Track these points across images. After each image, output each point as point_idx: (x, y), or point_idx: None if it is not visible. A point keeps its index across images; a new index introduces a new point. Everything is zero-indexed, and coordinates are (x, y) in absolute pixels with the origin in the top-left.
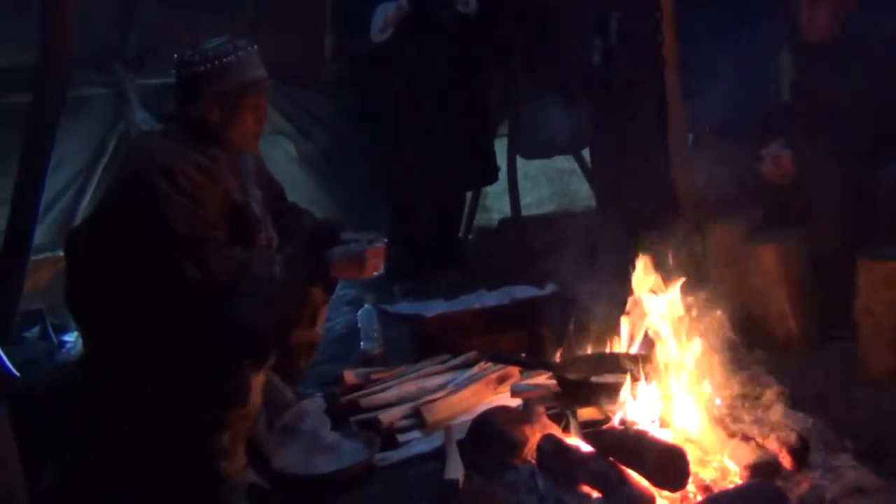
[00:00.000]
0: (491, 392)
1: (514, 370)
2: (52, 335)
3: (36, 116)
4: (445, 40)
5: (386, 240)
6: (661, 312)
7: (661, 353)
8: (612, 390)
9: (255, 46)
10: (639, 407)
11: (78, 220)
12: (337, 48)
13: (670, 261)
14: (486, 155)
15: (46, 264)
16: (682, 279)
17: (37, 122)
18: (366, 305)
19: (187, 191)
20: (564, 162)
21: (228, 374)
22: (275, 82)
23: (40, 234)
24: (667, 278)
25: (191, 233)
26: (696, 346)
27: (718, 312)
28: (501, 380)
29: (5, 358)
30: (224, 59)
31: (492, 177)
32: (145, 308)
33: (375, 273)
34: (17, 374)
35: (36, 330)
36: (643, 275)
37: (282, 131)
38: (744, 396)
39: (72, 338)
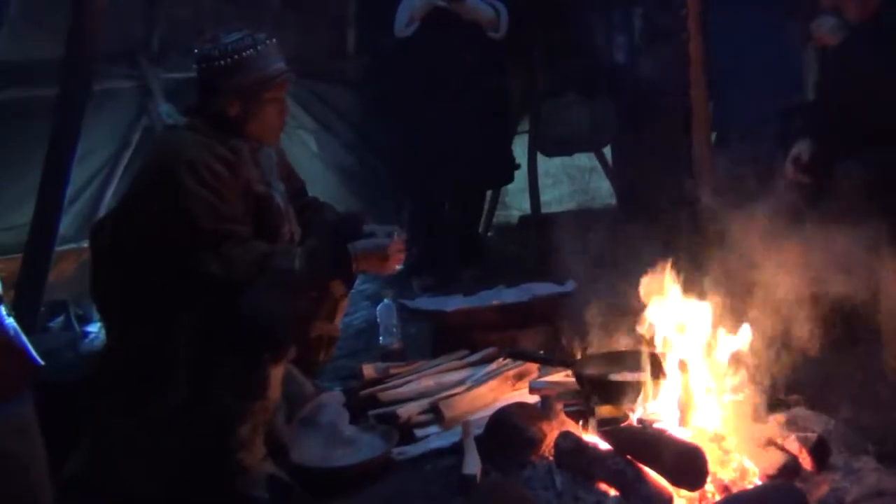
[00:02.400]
0: (509, 388)
1: (533, 367)
2: (76, 325)
3: (62, 109)
4: (468, 37)
5: (405, 235)
6: (681, 311)
7: (680, 352)
8: (631, 388)
9: (275, 40)
10: (658, 405)
11: (102, 211)
12: (360, 43)
13: (693, 260)
14: (504, 154)
15: (71, 255)
16: (704, 279)
17: (63, 114)
18: (385, 300)
19: (211, 184)
20: (585, 159)
21: (248, 366)
22: (297, 77)
23: (65, 225)
24: (689, 278)
25: (214, 226)
26: (717, 344)
27: (740, 312)
28: (520, 376)
29: (31, 347)
30: (243, 54)
31: (508, 177)
32: (168, 300)
33: (398, 267)
34: (42, 363)
35: (60, 320)
36: (665, 273)
37: (303, 126)
38: (765, 397)
39: (95, 328)
